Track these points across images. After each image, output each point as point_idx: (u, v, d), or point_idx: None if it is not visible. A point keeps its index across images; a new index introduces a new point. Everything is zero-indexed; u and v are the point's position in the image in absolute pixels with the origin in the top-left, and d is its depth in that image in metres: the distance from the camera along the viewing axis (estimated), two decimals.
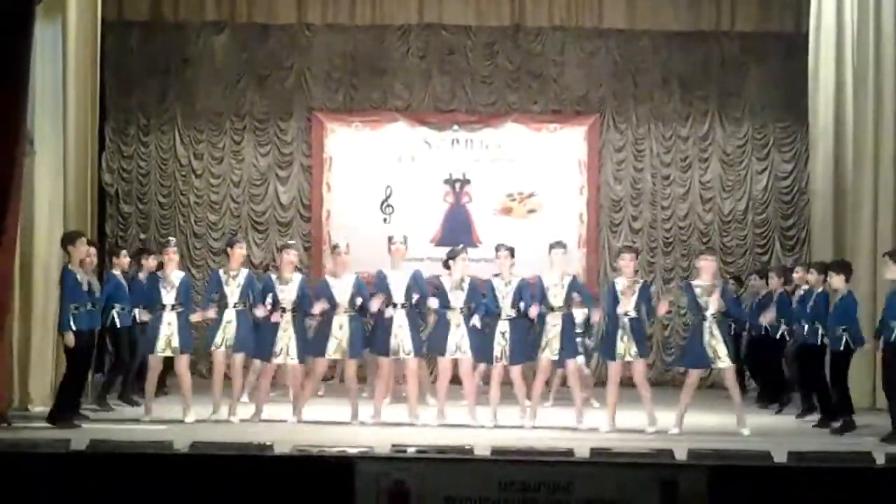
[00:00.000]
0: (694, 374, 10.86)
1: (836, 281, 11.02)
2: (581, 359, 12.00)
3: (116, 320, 11.71)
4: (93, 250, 11.11)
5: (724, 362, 10.68)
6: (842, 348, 10.89)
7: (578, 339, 11.66)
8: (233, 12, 15.74)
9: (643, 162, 16.09)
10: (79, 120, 12.28)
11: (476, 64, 16.00)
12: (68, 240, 10.81)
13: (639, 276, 12.08)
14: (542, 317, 10.80)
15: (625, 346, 10.68)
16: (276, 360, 11.04)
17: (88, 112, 12.60)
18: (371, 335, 11.24)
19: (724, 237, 16.00)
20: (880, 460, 7.08)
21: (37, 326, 11.42)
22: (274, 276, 11.16)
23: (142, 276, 12.01)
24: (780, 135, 16.00)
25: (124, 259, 12.10)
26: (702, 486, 6.40)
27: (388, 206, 15.92)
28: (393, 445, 7.37)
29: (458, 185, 16.00)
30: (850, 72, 13.28)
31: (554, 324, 10.79)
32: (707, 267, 10.80)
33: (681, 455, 7.19)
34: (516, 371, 10.90)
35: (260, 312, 10.96)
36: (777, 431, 10.89)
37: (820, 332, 11.25)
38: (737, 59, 15.96)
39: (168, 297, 10.98)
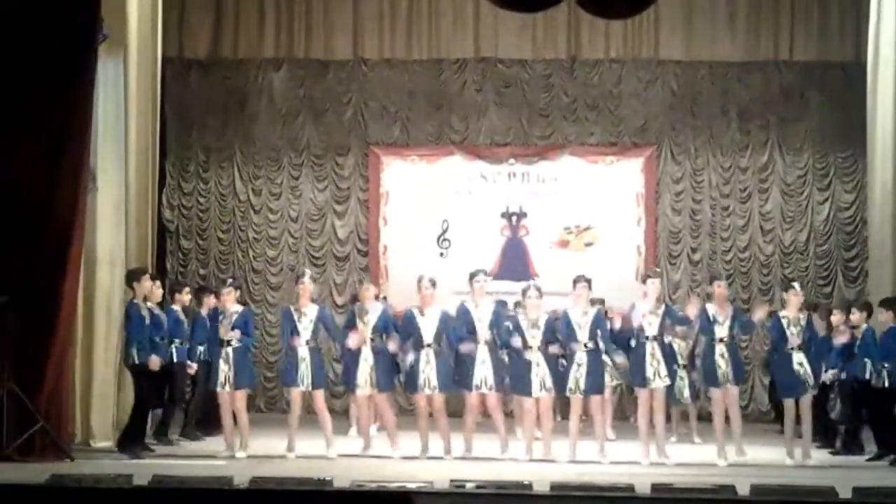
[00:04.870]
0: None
1: (885, 317, 10.88)
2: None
3: (174, 355, 11.79)
4: (158, 283, 11.37)
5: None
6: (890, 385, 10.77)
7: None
8: (290, 49, 15.89)
9: (702, 193, 15.96)
10: (140, 157, 12.39)
11: (532, 97, 16.00)
12: (133, 276, 11.13)
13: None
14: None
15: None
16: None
17: (149, 149, 12.72)
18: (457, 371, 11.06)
19: (786, 268, 15.77)
20: None
21: (98, 362, 11.51)
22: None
23: (204, 312, 12.11)
24: (841, 164, 15.79)
25: (185, 296, 12.21)
26: None
27: (445, 239, 15.93)
28: (452, 480, 7.34)
29: (514, 219, 15.97)
30: None
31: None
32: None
33: (743, 490, 7.10)
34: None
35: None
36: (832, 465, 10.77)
37: (868, 367, 11.16)
38: (796, 88, 15.80)
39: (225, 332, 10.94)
